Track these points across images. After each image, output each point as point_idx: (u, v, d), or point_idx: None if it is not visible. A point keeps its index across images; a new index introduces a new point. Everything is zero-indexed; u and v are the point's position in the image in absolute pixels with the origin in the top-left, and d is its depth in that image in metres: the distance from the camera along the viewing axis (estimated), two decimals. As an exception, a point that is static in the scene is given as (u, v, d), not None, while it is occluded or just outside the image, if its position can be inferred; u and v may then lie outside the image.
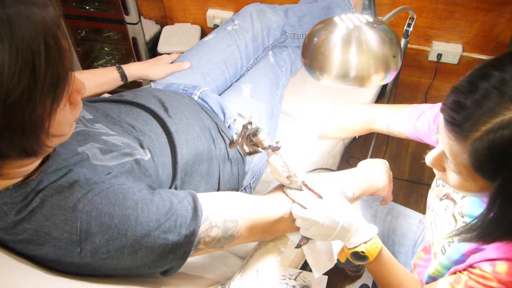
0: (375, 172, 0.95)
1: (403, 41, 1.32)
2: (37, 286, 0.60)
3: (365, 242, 0.81)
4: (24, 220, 0.63)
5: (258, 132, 0.76)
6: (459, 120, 0.60)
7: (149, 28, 2.20)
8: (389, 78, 0.81)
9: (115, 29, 2.07)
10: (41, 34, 0.51)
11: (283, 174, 0.80)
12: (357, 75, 0.79)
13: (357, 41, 0.77)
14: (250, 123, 0.77)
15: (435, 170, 0.74)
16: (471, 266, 0.75)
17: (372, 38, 0.78)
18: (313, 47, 0.79)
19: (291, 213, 0.82)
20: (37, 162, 0.66)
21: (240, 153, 1.10)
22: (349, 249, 0.82)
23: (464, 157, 0.61)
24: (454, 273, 0.79)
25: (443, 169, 0.71)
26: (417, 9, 1.83)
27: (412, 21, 1.27)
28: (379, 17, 0.89)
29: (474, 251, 0.76)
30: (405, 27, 1.29)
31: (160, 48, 2.11)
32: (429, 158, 0.72)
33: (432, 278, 0.89)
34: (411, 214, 1.24)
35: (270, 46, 1.37)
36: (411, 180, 1.98)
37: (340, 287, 1.71)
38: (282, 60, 1.39)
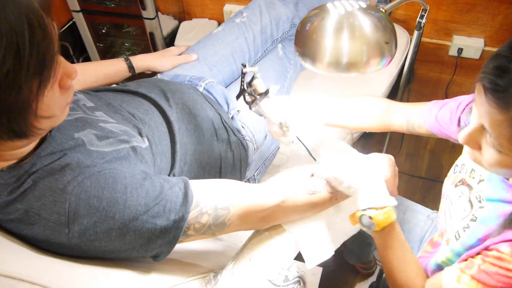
0: (378, 166, 0.93)
1: (416, 33, 1.28)
2: (24, 263, 0.62)
3: (376, 209, 0.79)
4: (16, 200, 0.65)
5: (253, 78, 0.77)
6: (503, 86, 0.56)
7: (167, 23, 2.22)
8: (383, 65, 0.79)
9: (134, 24, 2.10)
10: (25, 16, 0.53)
11: (273, 121, 0.79)
12: (350, 61, 0.77)
13: (349, 27, 0.75)
14: (245, 66, 0.77)
15: (467, 149, 0.71)
16: (486, 248, 0.72)
17: (365, 24, 0.76)
18: (305, 34, 0.78)
19: (285, 202, 0.81)
20: (31, 145, 0.68)
21: (240, 142, 1.10)
22: (360, 210, 0.80)
23: (507, 127, 0.57)
24: (465, 259, 0.77)
25: (478, 147, 0.67)
26: (437, 2, 1.79)
27: (425, 13, 1.23)
28: (381, 6, 0.87)
29: (492, 235, 0.73)
30: (417, 19, 1.25)
31: (177, 43, 2.13)
32: (463, 135, 0.67)
33: (440, 268, 0.86)
34: (420, 210, 1.21)
35: (279, 38, 1.37)
36: (429, 178, 1.93)
37: (351, 284, 1.69)
38: (292, 53, 1.38)
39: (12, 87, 0.54)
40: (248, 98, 0.80)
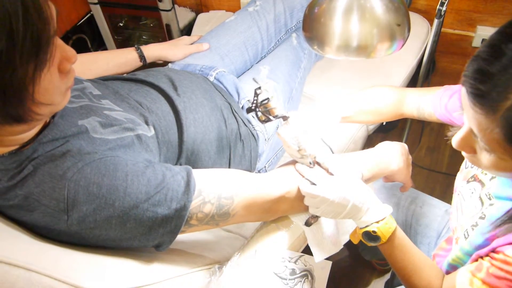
0: (389, 154, 0.90)
1: (436, 22, 1.24)
2: (21, 249, 0.61)
3: (378, 222, 0.77)
4: (16, 186, 0.64)
5: (269, 100, 0.74)
6: (485, 90, 0.53)
7: (184, 15, 2.21)
8: (395, 49, 0.75)
9: (150, 16, 2.10)
10: None
11: (292, 147, 0.77)
12: (360, 44, 0.73)
13: (359, 8, 0.72)
14: (259, 87, 0.74)
15: (464, 154, 0.67)
16: (494, 250, 0.69)
17: (377, 6, 0.72)
18: (313, 17, 0.75)
19: (292, 193, 0.79)
20: (33, 131, 0.67)
21: (251, 132, 1.08)
22: (360, 228, 0.79)
23: (496, 131, 0.54)
24: (476, 260, 0.74)
25: (473, 151, 0.64)
26: (460, -9, 1.72)
27: (446, 0, 1.19)
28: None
29: (498, 235, 0.70)
30: (437, 6, 1.21)
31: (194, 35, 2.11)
32: (455, 140, 0.65)
33: (452, 267, 0.83)
34: (437, 204, 1.17)
35: (294, 28, 1.34)
36: (449, 173, 1.87)
37: (368, 281, 1.65)
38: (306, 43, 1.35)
39: (6, 69, 0.53)
40: (260, 114, 0.78)
